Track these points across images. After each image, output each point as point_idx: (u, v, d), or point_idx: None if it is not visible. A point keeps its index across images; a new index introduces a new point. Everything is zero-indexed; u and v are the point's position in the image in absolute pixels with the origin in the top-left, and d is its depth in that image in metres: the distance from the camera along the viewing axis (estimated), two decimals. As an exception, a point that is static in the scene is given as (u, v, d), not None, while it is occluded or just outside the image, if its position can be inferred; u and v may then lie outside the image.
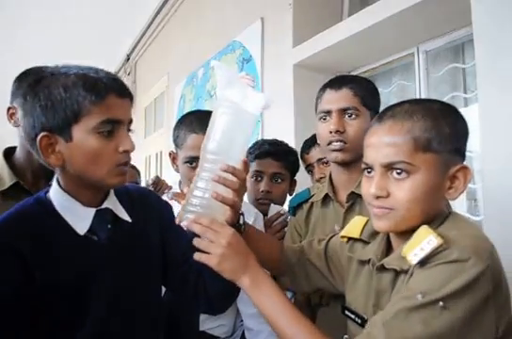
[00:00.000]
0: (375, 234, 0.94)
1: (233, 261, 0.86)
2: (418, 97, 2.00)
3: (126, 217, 0.97)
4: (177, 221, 0.91)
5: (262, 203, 1.63)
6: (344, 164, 1.24)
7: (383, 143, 0.81)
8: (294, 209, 1.38)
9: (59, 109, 0.83)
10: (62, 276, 0.86)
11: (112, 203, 0.96)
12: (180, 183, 1.50)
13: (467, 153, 0.87)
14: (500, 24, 1.34)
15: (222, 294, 1.01)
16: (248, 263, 0.87)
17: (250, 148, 1.68)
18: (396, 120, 0.82)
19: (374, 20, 1.84)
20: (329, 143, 1.21)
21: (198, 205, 0.90)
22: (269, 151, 1.65)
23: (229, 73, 0.93)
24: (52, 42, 4.92)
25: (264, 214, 1.59)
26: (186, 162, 1.37)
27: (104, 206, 0.93)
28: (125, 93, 0.89)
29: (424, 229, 0.78)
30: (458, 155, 0.82)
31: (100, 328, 0.88)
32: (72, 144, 0.85)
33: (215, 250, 0.86)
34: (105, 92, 0.85)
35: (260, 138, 2.45)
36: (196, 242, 0.88)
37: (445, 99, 1.85)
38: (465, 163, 0.83)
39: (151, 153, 4.59)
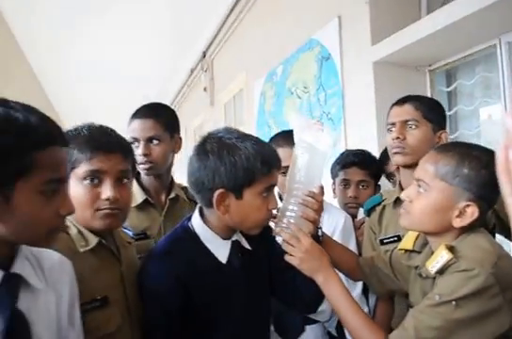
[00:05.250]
0: (424, 244, 1.18)
1: (310, 262, 1.15)
2: (502, 88, 2.02)
3: (247, 245, 1.23)
4: (273, 234, 1.20)
5: (350, 207, 1.89)
6: (407, 167, 1.48)
7: (422, 164, 1.11)
8: (368, 211, 1.63)
9: (239, 175, 1.07)
10: (209, 294, 1.13)
11: (239, 237, 1.21)
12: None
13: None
14: None
15: (313, 295, 1.23)
16: (321, 264, 1.15)
17: (337, 159, 1.96)
18: (437, 152, 1.10)
19: (456, 16, 1.86)
20: (392, 149, 1.48)
21: (289, 222, 1.19)
22: (354, 161, 1.91)
23: (303, 122, 1.26)
24: (129, 40, 5.21)
25: (354, 216, 1.84)
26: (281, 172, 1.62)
27: (234, 239, 1.19)
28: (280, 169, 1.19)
29: (441, 246, 1.03)
30: (472, 194, 1.03)
31: (233, 330, 1.17)
32: (241, 201, 1.10)
33: (296, 253, 1.15)
34: (272, 167, 1.12)
35: (342, 137, 2.57)
36: (284, 246, 1.16)
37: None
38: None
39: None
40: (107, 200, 1.08)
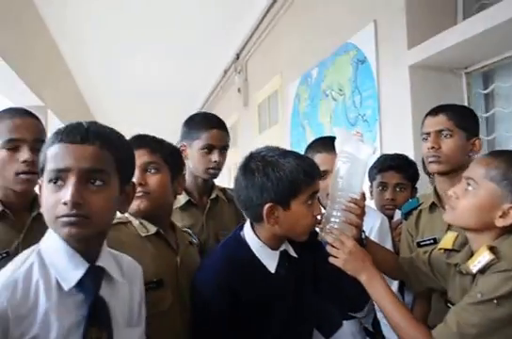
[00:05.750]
0: (464, 244, 1.26)
1: (353, 263, 1.22)
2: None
3: (294, 253, 1.31)
4: (319, 238, 1.29)
5: (387, 209, 1.97)
6: (443, 174, 1.56)
7: (474, 165, 1.20)
8: (405, 215, 1.71)
9: (285, 188, 1.17)
10: (257, 300, 1.22)
11: (286, 246, 1.30)
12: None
13: None
14: None
15: (359, 294, 1.30)
16: (364, 265, 1.22)
17: (374, 163, 2.03)
18: (490, 156, 1.20)
19: (495, 20, 1.89)
20: (428, 157, 1.57)
21: (333, 227, 1.28)
22: (391, 165, 1.99)
23: (344, 133, 1.33)
24: (166, 41, 5.38)
25: (390, 218, 1.91)
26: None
27: (282, 249, 1.28)
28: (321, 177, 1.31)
29: (482, 247, 1.11)
30: None
31: (280, 333, 1.26)
32: (289, 212, 1.20)
33: (340, 255, 1.23)
34: (314, 177, 1.24)
35: (378, 139, 2.62)
36: (328, 249, 1.24)
37: None
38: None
39: (267, 148, 4.89)
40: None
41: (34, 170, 1.18)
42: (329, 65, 3.30)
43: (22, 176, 1.34)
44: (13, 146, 1.35)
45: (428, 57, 2.28)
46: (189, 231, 1.59)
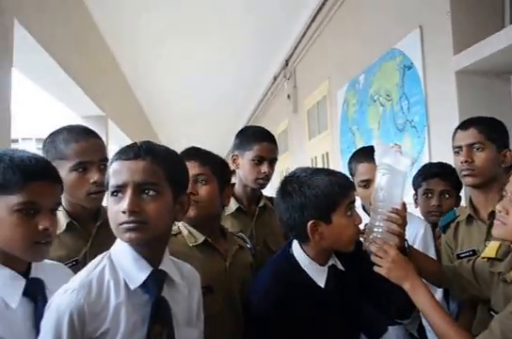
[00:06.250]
0: (507, 253, 1.27)
1: (397, 272, 1.25)
2: None
3: (341, 267, 1.37)
4: (363, 248, 1.33)
5: (433, 215, 1.99)
6: (477, 187, 1.60)
7: None
8: (443, 228, 1.75)
9: (323, 203, 1.25)
10: (309, 313, 1.29)
11: (334, 260, 1.37)
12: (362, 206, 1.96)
13: None
14: None
15: (405, 302, 1.32)
16: (408, 273, 1.25)
17: (419, 171, 2.08)
18: None
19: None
20: (462, 171, 1.61)
21: (376, 237, 1.33)
22: (436, 172, 2.02)
23: (383, 146, 1.38)
24: (219, 50, 5.55)
25: (435, 225, 1.92)
26: (360, 185, 1.84)
27: (330, 264, 1.35)
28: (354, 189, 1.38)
29: None
30: None
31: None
32: (331, 225, 1.27)
33: (384, 264, 1.27)
34: (348, 189, 1.31)
35: (426, 147, 2.61)
36: (372, 258, 1.29)
37: None
38: None
39: (316, 154, 4.93)
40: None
41: (102, 189, 1.27)
42: (376, 71, 3.31)
43: (93, 196, 1.45)
44: (82, 168, 1.44)
45: (475, 63, 2.27)
46: (243, 235, 1.68)
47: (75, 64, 3.96)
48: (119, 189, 1.00)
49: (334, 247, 1.32)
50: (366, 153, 1.73)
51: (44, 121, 11.11)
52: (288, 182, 1.32)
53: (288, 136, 6.26)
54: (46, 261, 1.14)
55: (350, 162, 1.92)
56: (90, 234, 1.49)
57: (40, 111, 13.99)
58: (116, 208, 1.00)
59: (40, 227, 1.04)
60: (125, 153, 1.03)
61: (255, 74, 6.80)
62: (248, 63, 6.21)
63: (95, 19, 4.65)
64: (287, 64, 6.01)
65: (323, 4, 4.31)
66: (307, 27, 4.89)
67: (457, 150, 1.63)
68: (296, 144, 5.83)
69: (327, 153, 4.59)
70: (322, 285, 1.31)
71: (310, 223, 1.26)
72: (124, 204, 0.97)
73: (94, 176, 1.44)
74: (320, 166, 4.82)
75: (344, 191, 1.28)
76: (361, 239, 1.36)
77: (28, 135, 17.56)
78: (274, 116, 7.37)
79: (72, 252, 1.44)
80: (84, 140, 1.47)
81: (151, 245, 1.03)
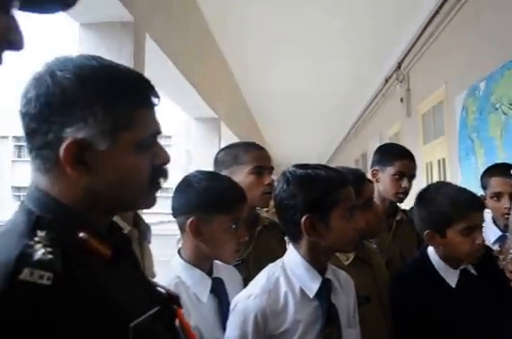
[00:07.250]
0: None
1: None
2: None
3: (473, 271, 1.50)
4: (500, 267, 1.46)
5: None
6: None
7: None
8: None
9: (438, 219, 1.50)
10: (442, 313, 1.41)
11: (467, 266, 1.52)
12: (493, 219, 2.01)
13: None
14: None
15: None
16: None
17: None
18: None
19: None
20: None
21: None
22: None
23: None
24: (332, 51, 5.72)
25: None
26: (492, 197, 1.92)
27: (462, 267, 1.49)
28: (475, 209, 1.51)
29: None
30: None
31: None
32: (446, 240, 1.49)
33: None
34: (468, 211, 1.46)
35: None
36: (508, 275, 1.43)
37: None
38: None
39: (431, 159, 4.85)
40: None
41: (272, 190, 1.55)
42: (499, 78, 3.23)
43: (266, 195, 1.72)
44: (259, 171, 1.74)
45: None
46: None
47: (195, 72, 4.36)
48: None
49: (456, 258, 1.48)
50: (500, 169, 1.90)
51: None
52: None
53: (400, 139, 6.19)
54: (219, 263, 1.38)
55: (483, 176, 2.04)
56: (252, 238, 1.70)
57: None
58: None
59: (241, 240, 1.31)
60: None
61: (367, 75, 6.80)
62: (359, 63, 6.24)
63: (210, 28, 5.02)
64: (399, 66, 5.93)
65: (440, 7, 4.24)
66: (422, 30, 4.81)
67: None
68: (409, 148, 5.72)
69: (443, 159, 4.51)
70: (453, 285, 1.46)
71: (426, 232, 1.50)
72: None
73: (268, 179, 1.74)
74: (436, 172, 4.74)
75: (464, 212, 1.44)
76: (500, 257, 1.48)
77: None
78: (385, 118, 7.29)
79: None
80: (261, 150, 1.81)
81: (323, 256, 1.24)
